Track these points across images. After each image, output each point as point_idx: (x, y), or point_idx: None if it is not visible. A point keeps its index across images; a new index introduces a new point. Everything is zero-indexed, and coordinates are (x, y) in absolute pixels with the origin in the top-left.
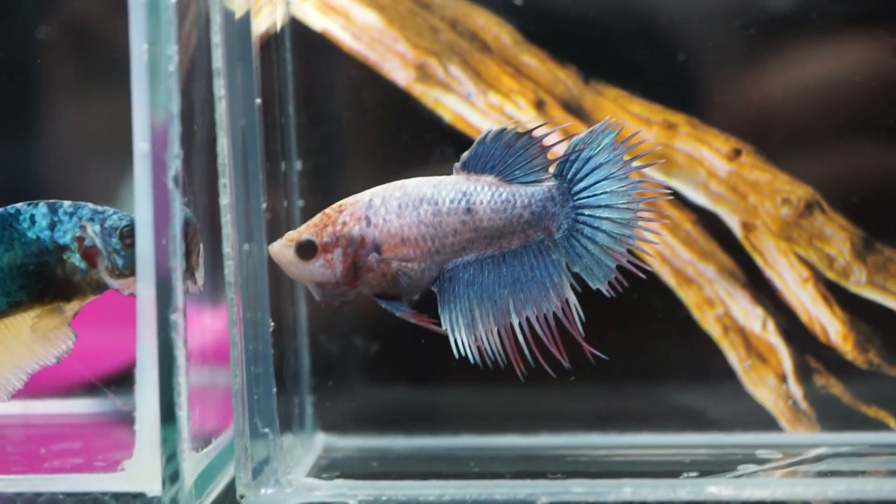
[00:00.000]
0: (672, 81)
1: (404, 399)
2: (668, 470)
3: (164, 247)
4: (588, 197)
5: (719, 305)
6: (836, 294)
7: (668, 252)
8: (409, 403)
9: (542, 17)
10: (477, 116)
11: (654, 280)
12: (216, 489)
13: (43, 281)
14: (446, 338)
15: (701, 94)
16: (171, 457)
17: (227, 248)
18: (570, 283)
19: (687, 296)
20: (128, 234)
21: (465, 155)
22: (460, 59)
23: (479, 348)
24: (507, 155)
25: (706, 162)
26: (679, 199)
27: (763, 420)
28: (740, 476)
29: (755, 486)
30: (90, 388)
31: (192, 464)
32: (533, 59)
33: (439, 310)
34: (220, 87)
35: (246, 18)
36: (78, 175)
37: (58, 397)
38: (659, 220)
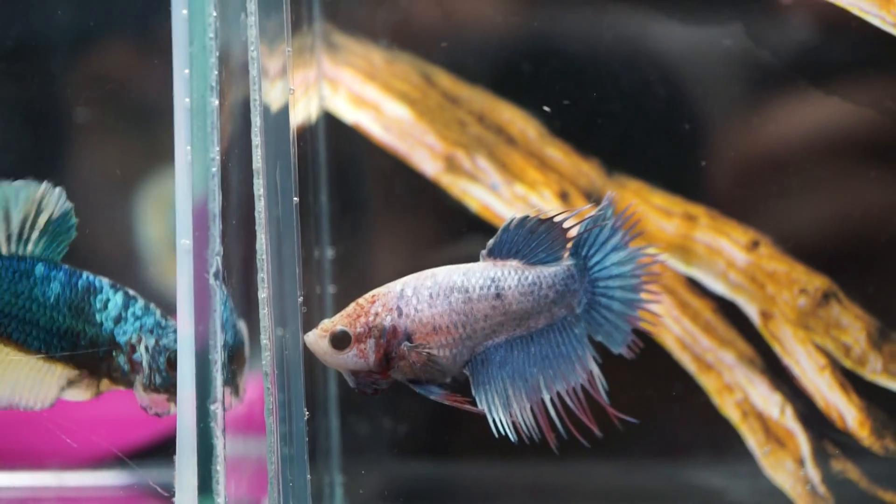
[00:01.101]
0: (692, 174)
1: (431, 474)
2: None
3: (204, 338)
4: (600, 270)
5: (738, 391)
6: (853, 381)
7: (689, 339)
8: (436, 478)
9: (567, 112)
10: (503, 206)
11: (675, 366)
12: None
13: (86, 357)
14: (472, 415)
15: (720, 187)
16: None
17: (265, 339)
18: (592, 356)
19: (707, 381)
20: (175, 360)
21: (491, 242)
22: (487, 152)
23: (514, 424)
24: (531, 240)
25: (725, 252)
26: (699, 288)
27: (782, 503)
28: None
29: None
30: (120, 461)
31: None
32: (557, 152)
33: (473, 391)
34: (259, 187)
35: (283, 114)
36: None
37: (89, 468)
38: (656, 282)
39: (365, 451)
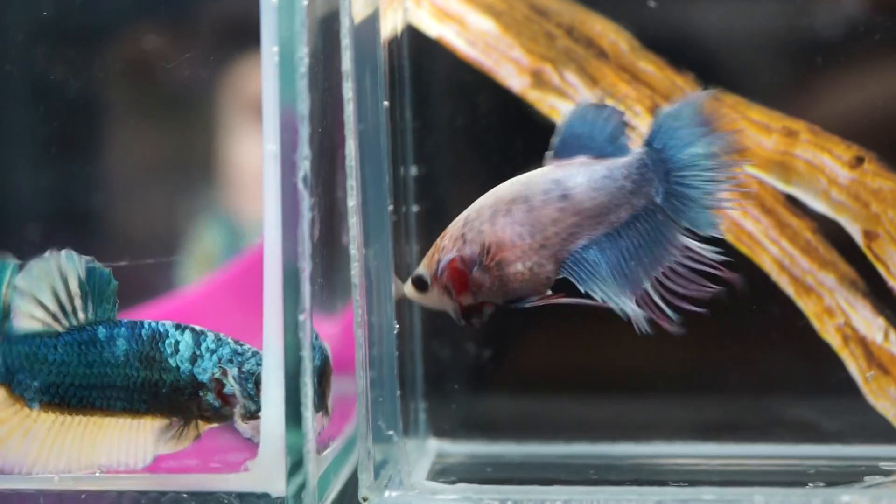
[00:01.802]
0: (793, 87)
1: (514, 406)
2: (793, 480)
3: (293, 247)
4: (677, 161)
5: (840, 315)
6: None
7: (788, 261)
8: (519, 411)
9: (660, 23)
10: None
11: (773, 289)
12: (333, 492)
13: (169, 404)
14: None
15: (823, 101)
16: (296, 458)
17: (353, 250)
18: (682, 233)
19: (806, 305)
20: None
21: (555, 141)
22: (576, 66)
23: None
24: (594, 131)
25: (827, 169)
26: (799, 207)
27: (885, 432)
28: (871, 486)
29: (891, 497)
30: None
31: (315, 465)
32: (650, 66)
33: (583, 291)
34: (348, 90)
35: (371, 21)
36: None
37: None
38: (739, 166)
39: (447, 380)
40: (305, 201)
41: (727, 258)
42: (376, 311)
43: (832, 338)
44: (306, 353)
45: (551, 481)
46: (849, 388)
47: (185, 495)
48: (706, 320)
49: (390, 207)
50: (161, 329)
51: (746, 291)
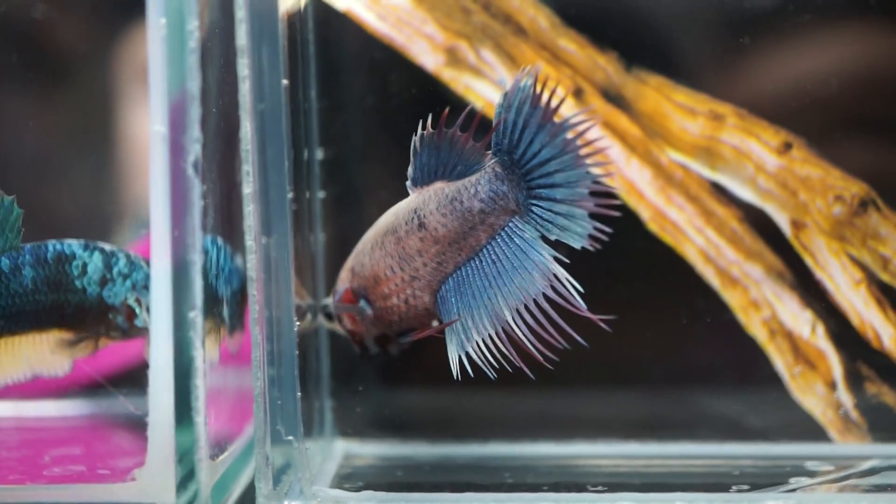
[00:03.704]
0: (719, 69)
1: (427, 403)
2: (716, 482)
3: (181, 239)
4: (530, 159)
5: (766, 308)
6: (891, 297)
7: (713, 251)
8: (433, 408)
9: None
10: None
11: (697, 281)
12: (230, 500)
13: (76, 323)
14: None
15: (750, 83)
16: (186, 465)
17: (249, 240)
18: (555, 257)
19: (732, 298)
20: None
21: (410, 171)
22: (493, 43)
23: (482, 357)
24: (440, 155)
25: (754, 155)
26: (725, 195)
27: (811, 430)
28: (796, 490)
29: (815, 502)
30: (86, 389)
31: (208, 473)
32: (571, 44)
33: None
34: (243, 67)
35: None
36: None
37: (51, 398)
38: (597, 151)
39: (355, 377)
40: (196, 189)
41: (581, 291)
42: (275, 306)
43: (758, 331)
44: (198, 353)
45: (464, 486)
46: (775, 383)
47: None
48: (629, 313)
49: (290, 195)
50: (67, 250)
51: (671, 284)
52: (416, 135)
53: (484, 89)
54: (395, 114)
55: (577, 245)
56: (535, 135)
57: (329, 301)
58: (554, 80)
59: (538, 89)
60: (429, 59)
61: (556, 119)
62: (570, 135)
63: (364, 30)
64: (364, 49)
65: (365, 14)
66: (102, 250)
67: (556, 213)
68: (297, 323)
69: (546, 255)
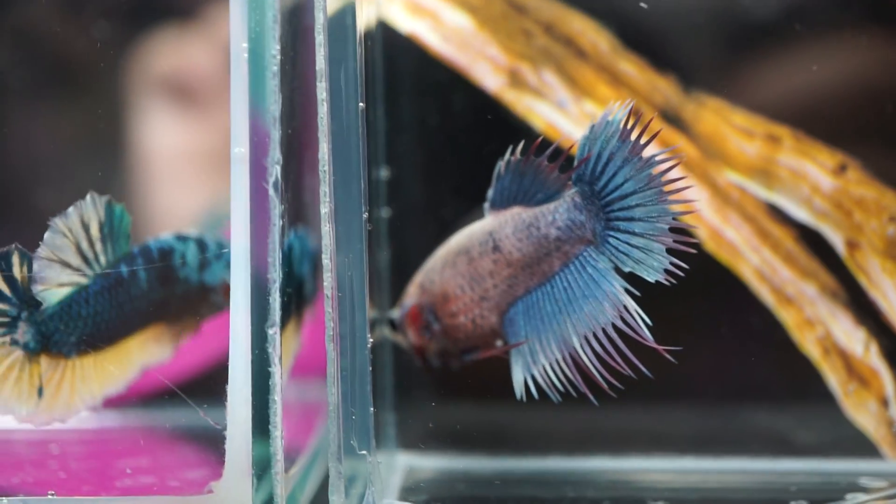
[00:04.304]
0: (777, 92)
1: (486, 417)
2: (774, 497)
3: (262, 257)
4: (612, 191)
5: (820, 326)
6: None
7: (768, 270)
8: (493, 422)
9: (642, 22)
10: (570, 125)
11: (752, 299)
12: None
13: (181, 311)
14: None
15: (807, 106)
16: (263, 478)
17: (326, 259)
18: (626, 288)
19: (787, 316)
20: None
21: (490, 193)
22: (555, 65)
23: (547, 380)
24: (523, 181)
25: (810, 177)
26: (781, 215)
27: (864, 446)
28: None
29: None
30: (145, 399)
31: (283, 486)
32: (631, 67)
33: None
34: (322, 90)
35: (345, 17)
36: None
37: (112, 408)
38: (680, 189)
39: (417, 391)
40: (276, 208)
41: (650, 325)
42: (349, 322)
43: (812, 349)
44: (275, 369)
45: (527, 500)
46: (829, 401)
47: None
48: (685, 330)
49: (365, 215)
50: (167, 245)
51: (727, 301)
52: (502, 159)
53: (545, 110)
54: (458, 134)
55: (651, 279)
56: (619, 168)
57: (395, 313)
58: (646, 117)
59: (629, 124)
60: (491, 80)
61: (643, 155)
62: (654, 171)
63: (427, 52)
64: (427, 70)
65: (429, 36)
66: (193, 238)
67: (633, 247)
68: (371, 340)
69: (618, 286)
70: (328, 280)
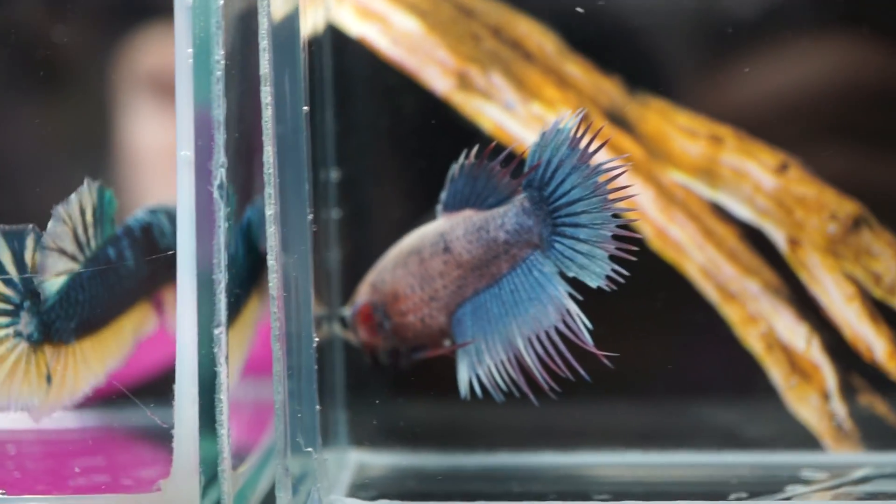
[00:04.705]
0: (719, 93)
1: (436, 414)
2: (715, 490)
3: (207, 259)
4: (560, 198)
5: (763, 322)
6: (883, 312)
7: (712, 267)
8: (441, 418)
9: (587, 25)
10: (518, 126)
11: (696, 296)
12: None
13: (167, 281)
14: None
15: (749, 106)
16: (210, 475)
17: (271, 260)
18: (569, 293)
19: (731, 312)
20: None
21: (443, 196)
22: (502, 68)
23: (491, 380)
24: (476, 184)
25: (752, 176)
26: (724, 214)
27: (806, 439)
28: (791, 498)
29: None
30: (104, 401)
31: (231, 483)
32: (577, 69)
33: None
34: (266, 94)
35: (290, 22)
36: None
37: (72, 409)
38: (625, 197)
39: (369, 389)
40: (221, 211)
41: (591, 329)
42: (295, 322)
43: (755, 345)
44: (222, 369)
45: (474, 495)
46: (771, 395)
47: None
48: (631, 327)
49: (310, 216)
50: (145, 221)
51: (672, 299)
52: (456, 162)
53: (493, 112)
54: (407, 136)
55: (593, 284)
56: (567, 175)
57: (346, 311)
58: (597, 125)
59: (579, 132)
60: (440, 83)
61: (591, 163)
62: (601, 178)
63: (377, 55)
64: (377, 74)
65: (378, 40)
66: (161, 210)
67: (577, 252)
68: (317, 339)
69: (562, 290)
70: (273, 281)
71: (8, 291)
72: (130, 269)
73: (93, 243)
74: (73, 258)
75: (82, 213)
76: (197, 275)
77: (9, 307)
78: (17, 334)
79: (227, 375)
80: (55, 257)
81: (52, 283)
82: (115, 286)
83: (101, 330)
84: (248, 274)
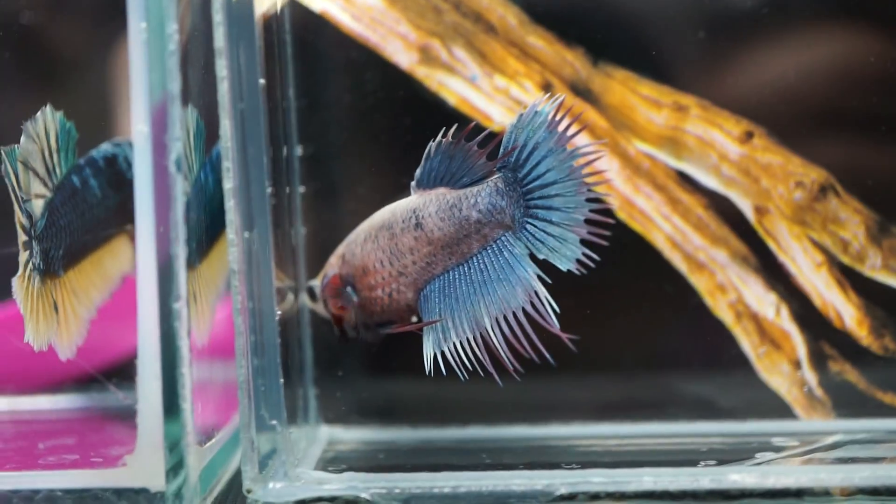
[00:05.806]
0: (683, 62)
1: (409, 390)
2: (684, 459)
3: (165, 233)
4: (534, 180)
5: (732, 291)
6: (851, 279)
7: (680, 237)
8: (414, 395)
9: None
10: (482, 99)
11: (665, 266)
12: (219, 484)
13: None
14: None
15: (712, 75)
16: (174, 451)
17: (231, 234)
18: (537, 275)
19: (699, 282)
20: None
21: (417, 172)
22: (465, 41)
23: (456, 357)
24: (452, 163)
25: (717, 145)
26: (690, 183)
27: (777, 407)
28: (761, 464)
29: (778, 474)
30: (77, 383)
31: (196, 458)
32: (540, 41)
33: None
34: (221, 68)
35: None
36: None
37: (45, 393)
38: (600, 182)
39: (340, 362)
40: (179, 185)
41: (557, 312)
42: (257, 297)
43: (725, 314)
44: (183, 343)
45: (442, 467)
46: (742, 364)
47: (59, 493)
48: (601, 298)
49: (269, 190)
50: (109, 153)
51: (640, 269)
52: (433, 140)
53: (457, 86)
54: (371, 111)
55: (563, 267)
56: (543, 157)
57: (315, 282)
58: (575, 110)
59: (557, 116)
60: (403, 57)
61: (568, 147)
62: (577, 163)
63: (340, 30)
64: (340, 49)
65: (340, 15)
66: (125, 143)
67: (549, 235)
68: (279, 312)
69: (531, 272)
70: (234, 255)
71: (24, 220)
72: (97, 197)
73: (58, 170)
74: (44, 183)
75: (47, 134)
76: (156, 249)
77: (25, 238)
78: (35, 268)
79: (188, 350)
80: (31, 177)
81: (35, 204)
82: (86, 214)
83: (83, 260)
84: (220, 206)
